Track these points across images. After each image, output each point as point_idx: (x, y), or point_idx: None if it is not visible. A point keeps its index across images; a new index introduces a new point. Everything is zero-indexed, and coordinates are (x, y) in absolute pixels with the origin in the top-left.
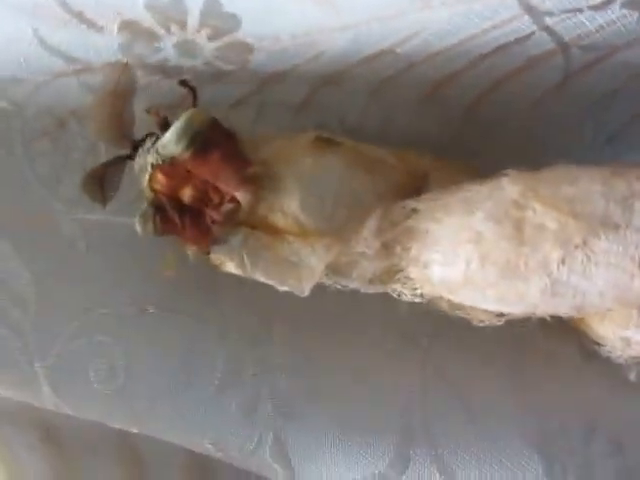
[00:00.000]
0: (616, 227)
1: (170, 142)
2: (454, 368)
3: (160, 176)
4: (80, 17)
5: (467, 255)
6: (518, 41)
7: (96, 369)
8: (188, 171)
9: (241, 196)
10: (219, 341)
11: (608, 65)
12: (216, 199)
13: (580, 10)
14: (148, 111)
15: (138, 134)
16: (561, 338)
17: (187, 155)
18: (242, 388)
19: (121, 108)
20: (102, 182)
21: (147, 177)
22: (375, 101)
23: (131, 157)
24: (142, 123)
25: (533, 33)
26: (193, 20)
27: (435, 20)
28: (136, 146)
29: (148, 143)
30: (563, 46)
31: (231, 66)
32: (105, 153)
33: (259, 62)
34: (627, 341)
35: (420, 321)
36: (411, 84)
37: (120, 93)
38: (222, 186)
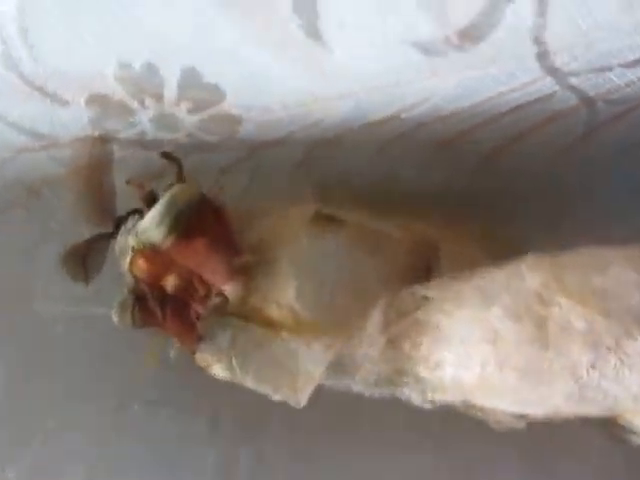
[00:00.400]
0: None
1: (149, 227)
2: (466, 456)
3: (141, 262)
4: (42, 91)
5: (483, 357)
6: (539, 100)
7: (74, 471)
8: (172, 258)
9: (229, 290)
10: (210, 436)
11: (637, 116)
12: (202, 291)
13: (610, 69)
14: (128, 182)
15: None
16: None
17: (169, 242)
18: None
19: (98, 183)
20: (84, 259)
21: (127, 261)
22: (380, 157)
23: (113, 236)
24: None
25: (555, 92)
26: (170, 93)
27: (444, 87)
28: (118, 224)
29: (130, 222)
30: (588, 101)
31: (217, 137)
32: (87, 223)
33: (249, 132)
34: None
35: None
36: (420, 141)
37: (95, 166)
38: (208, 277)
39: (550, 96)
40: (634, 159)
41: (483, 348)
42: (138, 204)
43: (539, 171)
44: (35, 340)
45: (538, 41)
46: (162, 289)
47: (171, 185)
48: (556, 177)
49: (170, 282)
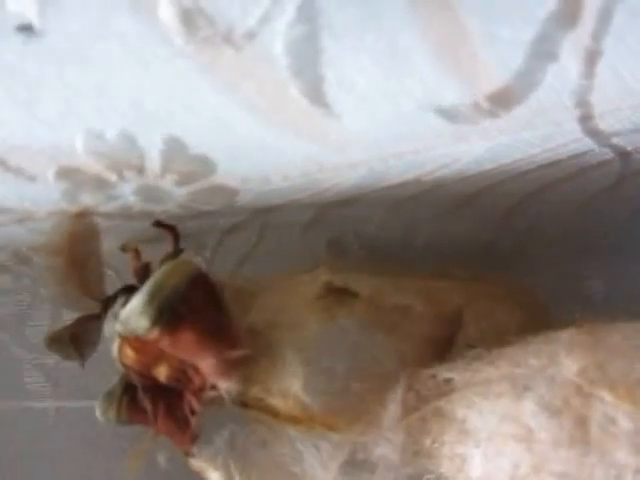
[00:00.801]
0: None
1: (131, 317)
2: None
3: (129, 351)
4: (3, 165)
5: (514, 456)
6: (573, 157)
7: None
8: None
9: (224, 385)
10: None
11: None
12: (198, 381)
13: None
14: (123, 249)
15: None
16: None
17: (154, 334)
18: None
19: (81, 263)
20: (75, 339)
21: (116, 348)
22: (396, 215)
23: (99, 317)
24: None
25: (592, 150)
26: (153, 165)
27: (470, 152)
28: (106, 305)
29: (118, 304)
30: (624, 154)
31: (212, 207)
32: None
33: (248, 201)
34: None
35: None
36: (438, 198)
37: (77, 245)
38: (202, 369)
39: (585, 153)
40: None
41: (515, 447)
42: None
43: (565, 220)
44: (24, 424)
45: (582, 104)
46: (154, 379)
47: (166, 259)
48: (582, 225)
49: (162, 373)
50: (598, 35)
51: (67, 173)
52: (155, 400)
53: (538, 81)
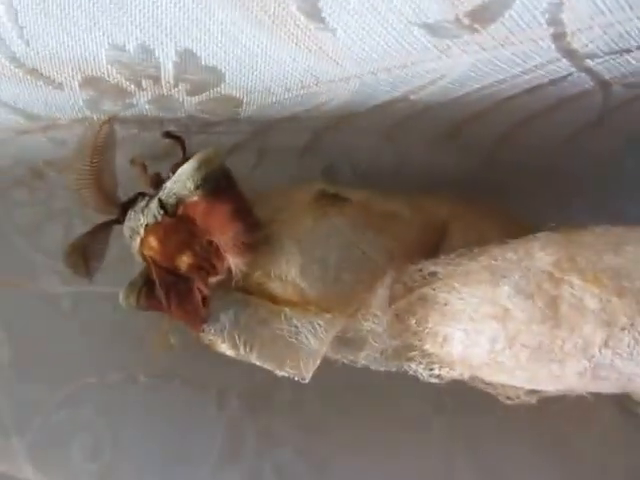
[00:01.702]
0: None
1: (179, 180)
2: (478, 428)
3: (153, 240)
4: (34, 74)
5: (492, 333)
6: (553, 82)
7: (80, 445)
8: (190, 227)
9: (237, 263)
10: (218, 408)
11: None
12: (219, 266)
13: (628, 51)
14: (132, 163)
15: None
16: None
17: (196, 196)
18: (243, 462)
19: (101, 168)
20: (85, 253)
21: (138, 242)
22: (388, 142)
23: (119, 221)
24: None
25: (570, 74)
26: (167, 75)
27: (454, 68)
28: (126, 208)
29: (141, 203)
30: (603, 84)
31: (218, 118)
32: (88, 208)
33: (250, 113)
34: None
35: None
36: (428, 125)
37: (99, 150)
38: (223, 246)
39: (564, 78)
40: None
41: (492, 325)
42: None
43: (551, 154)
44: (41, 315)
45: (554, 22)
46: (173, 270)
47: (177, 165)
48: (568, 160)
49: (185, 261)
50: None
51: (91, 82)
52: (169, 294)
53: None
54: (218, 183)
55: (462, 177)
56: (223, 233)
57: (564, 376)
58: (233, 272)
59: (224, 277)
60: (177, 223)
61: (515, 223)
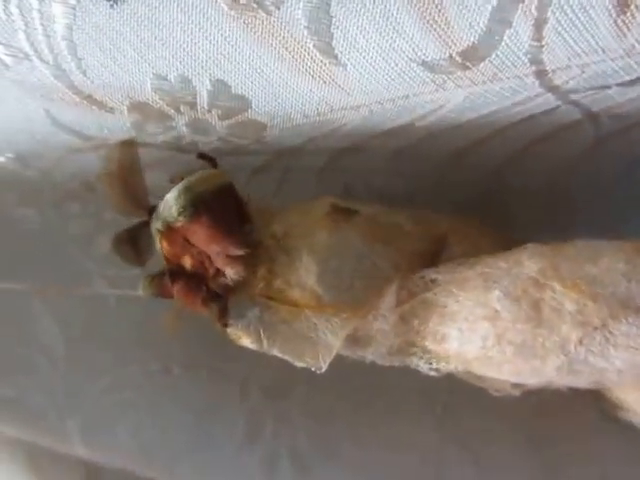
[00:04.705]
0: (637, 310)
1: (165, 207)
2: (469, 424)
3: (164, 243)
4: (90, 99)
5: (483, 332)
6: (544, 113)
7: (124, 425)
8: (186, 239)
9: (231, 273)
10: (241, 397)
11: None
12: (211, 270)
13: (608, 87)
14: (172, 181)
15: None
16: (579, 396)
17: (179, 222)
18: (262, 446)
19: (130, 181)
20: (135, 244)
21: (157, 242)
22: (397, 165)
23: (147, 223)
24: None
25: (559, 106)
26: (202, 101)
27: (451, 99)
28: (151, 212)
29: (160, 209)
30: (591, 115)
31: (246, 141)
32: (124, 216)
33: (274, 137)
34: None
35: (437, 378)
36: (433, 152)
37: (125, 167)
38: (213, 259)
39: (554, 110)
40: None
41: (484, 325)
42: None
43: (552, 177)
44: (90, 310)
45: (535, 61)
46: (183, 267)
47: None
48: (568, 183)
49: (187, 261)
50: (542, 6)
51: (138, 107)
52: (175, 282)
53: (497, 42)
54: (200, 207)
55: (466, 198)
56: (209, 250)
57: (544, 370)
58: (229, 281)
59: (234, 282)
60: (175, 234)
61: (510, 238)
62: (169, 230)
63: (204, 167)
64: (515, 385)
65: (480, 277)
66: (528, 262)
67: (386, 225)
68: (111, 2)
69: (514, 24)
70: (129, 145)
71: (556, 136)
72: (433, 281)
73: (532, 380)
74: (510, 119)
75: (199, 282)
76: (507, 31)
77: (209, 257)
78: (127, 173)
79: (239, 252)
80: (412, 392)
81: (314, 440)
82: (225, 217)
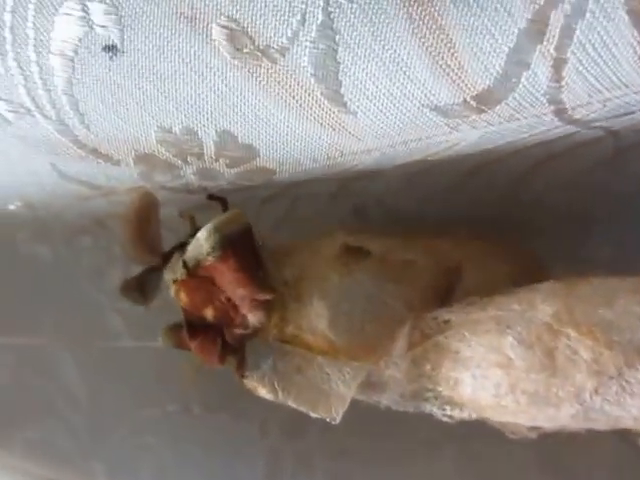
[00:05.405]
0: None
1: (197, 242)
2: (488, 458)
3: (182, 294)
4: (95, 153)
5: (496, 380)
6: (563, 137)
7: (147, 469)
8: (210, 286)
9: (253, 317)
10: (261, 436)
11: None
12: (237, 319)
13: (632, 113)
14: (181, 215)
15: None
16: None
17: (209, 261)
18: None
19: (145, 230)
20: (142, 288)
21: (173, 292)
22: (409, 187)
23: (160, 269)
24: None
25: (579, 132)
26: (209, 151)
27: (466, 138)
28: (166, 259)
29: (174, 258)
30: (612, 133)
31: (255, 183)
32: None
33: (283, 178)
34: None
35: None
36: (445, 173)
37: (142, 216)
38: (237, 303)
39: (573, 134)
40: None
41: (497, 372)
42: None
43: (569, 192)
44: (107, 350)
45: (554, 101)
46: (203, 319)
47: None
48: (586, 198)
49: (209, 313)
50: (562, 46)
51: (143, 158)
52: (196, 334)
53: (514, 85)
54: (226, 250)
55: (480, 214)
56: (235, 293)
57: (559, 418)
58: (251, 326)
59: (251, 331)
60: (199, 281)
61: (526, 262)
62: (193, 278)
63: (212, 203)
64: (532, 428)
65: (492, 320)
66: (542, 305)
67: (398, 263)
68: (110, 54)
69: (532, 66)
70: (149, 194)
71: (574, 151)
72: (446, 322)
73: (548, 425)
74: (526, 144)
75: (216, 337)
76: (525, 73)
77: (234, 305)
78: (144, 220)
79: (266, 296)
80: (429, 429)
81: (330, 474)
82: (248, 260)
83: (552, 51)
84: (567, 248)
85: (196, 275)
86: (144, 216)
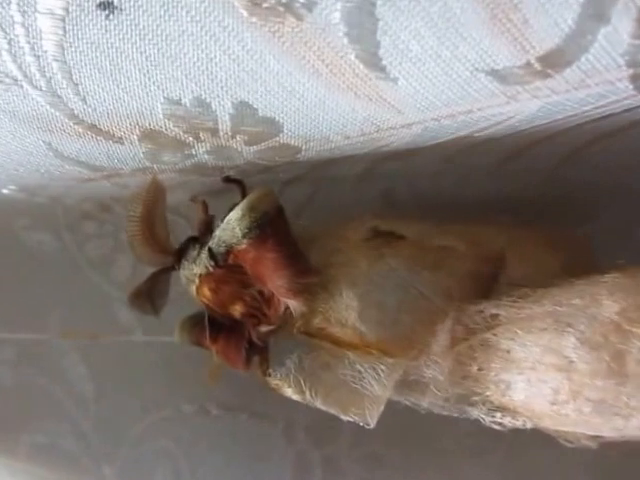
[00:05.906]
0: None
1: (227, 229)
2: (536, 463)
3: (206, 290)
4: (94, 129)
5: (555, 384)
6: (627, 110)
7: (162, 473)
8: (241, 276)
9: (293, 305)
10: (286, 440)
11: None
12: (271, 313)
13: None
14: (193, 200)
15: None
16: None
17: (243, 245)
18: None
19: (153, 229)
20: (149, 295)
21: (194, 289)
22: (447, 167)
23: (175, 268)
24: None
25: None
26: (225, 127)
27: (523, 110)
28: (179, 256)
29: (193, 252)
30: None
31: (277, 163)
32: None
33: (309, 157)
34: None
35: None
36: (490, 151)
37: (150, 213)
38: (273, 290)
39: (639, 107)
40: None
41: (556, 375)
42: None
43: (618, 171)
44: (117, 348)
45: (634, 63)
46: (228, 316)
47: (235, 205)
48: (636, 177)
49: (237, 310)
50: None
51: (149, 135)
52: (219, 332)
53: (589, 43)
54: (264, 229)
55: (523, 195)
56: (274, 280)
57: (627, 429)
58: (293, 314)
59: (277, 326)
60: (228, 273)
61: (575, 249)
62: (220, 269)
63: (227, 185)
64: (592, 436)
65: (550, 316)
66: (607, 301)
67: (435, 249)
68: (106, 12)
69: (612, 20)
70: (154, 188)
71: (633, 128)
72: (493, 317)
73: (612, 435)
74: (584, 119)
75: (241, 339)
76: (602, 29)
77: (267, 299)
78: (152, 217)
79: (310, 279)
80: (471, 434)
81: None
82: (288, 240)
83: (638, 1)
84: (614, 232)
85: (224, 266)
86: (152, 213)
